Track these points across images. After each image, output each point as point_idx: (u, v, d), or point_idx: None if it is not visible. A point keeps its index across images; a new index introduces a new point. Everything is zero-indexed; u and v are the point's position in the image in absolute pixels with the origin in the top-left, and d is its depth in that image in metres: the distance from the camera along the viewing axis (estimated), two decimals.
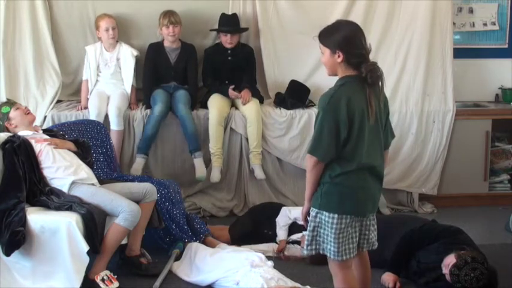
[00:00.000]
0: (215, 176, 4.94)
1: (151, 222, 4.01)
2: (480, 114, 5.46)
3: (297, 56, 5.30)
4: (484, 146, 5.37)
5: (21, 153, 3.74)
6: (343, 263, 2.93)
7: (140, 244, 3.98)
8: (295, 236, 4.29)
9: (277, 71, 5.35)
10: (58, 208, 3.67)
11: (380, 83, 2.86)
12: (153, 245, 4.17)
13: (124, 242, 3.85)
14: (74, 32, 5.23)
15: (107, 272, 3.70)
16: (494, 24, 5.81)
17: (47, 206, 3.71)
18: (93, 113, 4.84)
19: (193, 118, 4.94)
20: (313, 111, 5.05)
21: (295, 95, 5.17)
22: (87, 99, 5.02)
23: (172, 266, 4.01)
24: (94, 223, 3.61)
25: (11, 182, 3.71)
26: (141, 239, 3.99)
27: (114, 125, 4.88)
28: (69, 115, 4.91)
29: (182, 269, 3.97)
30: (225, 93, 5.07)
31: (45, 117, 4.92)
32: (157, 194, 4.04)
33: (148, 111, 5.00)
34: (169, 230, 4.24)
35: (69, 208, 3.65)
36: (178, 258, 4.10)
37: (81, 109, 4.99)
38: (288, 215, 4.36)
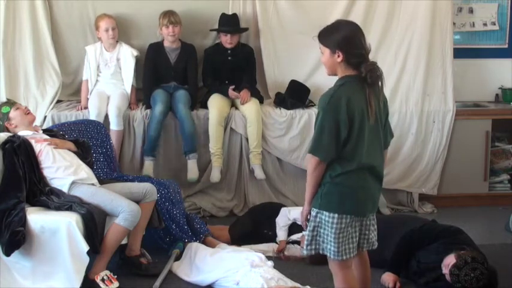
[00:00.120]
0: (215, 176, 4.94)
1: (151, 222, 4.01)
2: (480, 114, 5.46)
3: (297, 56, 5.30)
4: (484, 146, 5.36)
5: (21, 153, 3.74)
6: (343, 263, 2.93)
7: (140, 244, 3.98)
8: (295, 236, 4.29)
9: (277, 71, 5.35)
10: (58, 208, 3.67)
11: (380, 82, 2.86)
12: (153, 245, 4.17)
13: (124, 242, 3.84)
14: (74, 32, 5.23)
15: (107, 272, 3.70)
16: (494, 24, 5.81)
17: (47, 206, 3.71)
18: (93, 113, 4.84)
19: (192, 119, 4.94)
20: (313, 111, 5.05)
21: (295, 95, 5.17)
22: (87, 99, 5.02)
23: (172, 266, 4.01)
24: (94, 223, 3.61)
25: (11, 182, 3.71)
26: (141, 239, 3.98)
27: (114, 125, 4.88)
28: (69, 115, 4.91)
29: (182, 269, 3.96)
30: (225, 93, 5.06)
31: (45, 117, 4.92)
32: (157, 194, 4.04)
33: (148, 111, 5.00)
34: (169, 230, 4.23)
35: (69, 208, 3.65)
36: (178, 258, 4.10)
37: (81, 109, 4.99)
38: (288, 215, 4.35)
